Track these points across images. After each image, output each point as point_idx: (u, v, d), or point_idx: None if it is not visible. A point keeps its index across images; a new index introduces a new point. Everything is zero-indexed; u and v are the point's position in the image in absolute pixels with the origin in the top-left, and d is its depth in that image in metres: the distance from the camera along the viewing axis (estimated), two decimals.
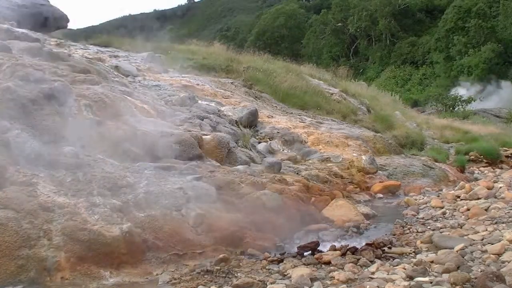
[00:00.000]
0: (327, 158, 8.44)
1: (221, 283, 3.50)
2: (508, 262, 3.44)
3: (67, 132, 5.22)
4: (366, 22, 44.97)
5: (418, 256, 3.94)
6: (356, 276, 3.53)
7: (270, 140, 8.86)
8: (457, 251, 3.84)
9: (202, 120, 7.74)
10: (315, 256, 4.01)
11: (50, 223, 3.75)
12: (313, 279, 3.48)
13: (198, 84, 10.88)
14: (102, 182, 4.52)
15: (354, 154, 8.60)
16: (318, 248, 4.19)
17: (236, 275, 3.66)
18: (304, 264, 3.88)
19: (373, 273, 3.56)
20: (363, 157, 8.25)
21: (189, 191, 4.76)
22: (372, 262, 3.82)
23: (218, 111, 8.89)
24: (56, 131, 5.12)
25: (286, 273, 3.68)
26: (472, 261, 3.68)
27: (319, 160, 8.34)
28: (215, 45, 17.34)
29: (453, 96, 25.36)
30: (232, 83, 12.52)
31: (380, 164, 8.46)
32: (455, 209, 5.77)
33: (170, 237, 4.14)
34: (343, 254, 3.97)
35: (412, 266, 3.60)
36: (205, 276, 3.61)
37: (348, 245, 4.23)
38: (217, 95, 10.53)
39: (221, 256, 3.94)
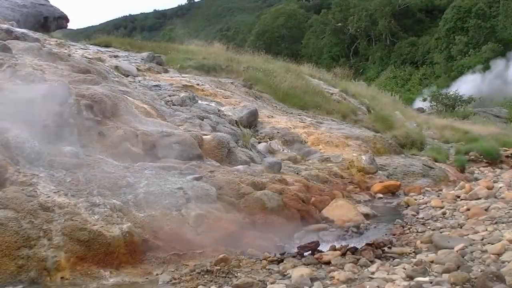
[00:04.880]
0: (327, 158, 8.44)
1: (221, 283, 3.50)
2: (508, 262, 3.44)
3: (67, 132, 5.21)
4: (366, 22, 44.94)
5: (418, 256, 3.94)
6: (356, 276, 3.53)
7: (270, 140, 8.86)
8: (457, 251, 3.84)
9: (202, 120, 7.75)
10: (315, 256, 4.01)
11: (50, 223, 3.75)
12: (313, 279, 3.48)
13: (198, 84, 10.88)
14: (102, 182, 4.52)
15: (354, 154, 8.60)
16: (318, 248, 4.18)
17: (236, 275, 3.66)
18: (304, 264, 3.88)
19: (373, 273, 3.56)
20: (363, 157, 8.26)
21: (189, 191, 4.76)
22: (372, 262, 3.82)
23: (218, 111, 8.89)
24: (56, 131, 5.12)
25: (286, 273, 3.68)
26: (472, 261, 3.68)
27: (319, 160, 8.34)
28: (215, 45, 17.34)
29: (453, 96, 25.33)
30: (232, 83, 12.51)
31: (380, 164, 8.47)
32: (455, 209, 5.77)
33: (170, 237, 4.14)
34: (343, 254, 3.97)
35: (412, 266, 3.60)
36: (205, 276, 3.61)
37: (348, 245, 4.23)
38: (217, 95, 10.53)
39: (221, 256, 3.93)
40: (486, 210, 5.34)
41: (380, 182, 7.67)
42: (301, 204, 5.50)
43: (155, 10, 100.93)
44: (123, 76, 9.48)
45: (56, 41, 11.71)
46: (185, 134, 6.38)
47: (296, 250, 4.20)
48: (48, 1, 15.29)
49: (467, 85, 31.76)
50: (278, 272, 3.72)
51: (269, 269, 3.81)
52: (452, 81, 34.21)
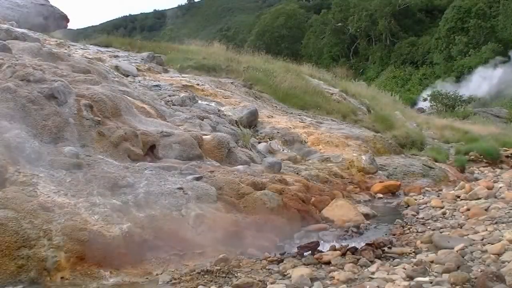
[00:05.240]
0: (327, 158, 8.44)
1: (221, 283, 3.50)
2: (508, 262, 3.44)
3: (67, 132, 5.21)
4: (366, 22, 44.95)
5: (418, 256, 3.94)
6: (356, 276, 3.53)
7: (270, 140, 8.86)
8: (457, 251, 3.84)
9: (202, 120, 7.75)
10: (315, 256, 4.01)
11: (50, 223, 3.75)
12: (313, 279, 3.48)
13: (198, 84, 10.89)
14: (102, 182, 4.52)
15: (354, 154, 8.60)
16: (318, 248, 4.18)
17: (236, 275, 3.66)
18: (304, 264, 3.88)
19: (373, 273, 3.56)
20: (363, 157, 8.26)
21: (189, 191, 4.76)
22: (372, 262, 3.82)
23: (218, 111, 8.89)
24: (56, 131, 5.12)
25: (286, 273, 3.68)
26: (472, 261, 3.68)
27: (319, 160, 8.34)
28: (215, 45, 17.35)
29: (453, 96, 25.35)
30: (232, 83, 12.52)
31: (380, 164, 8.47)
32: (455, 209, 5.77)
33: (170, 237, 4.14)
34: (343, 254, 3.97)
35: (412, 266, 3.60)
36: (205, 276, 3.61)
37: (348, 245, 4.23)
38: (217, 95, 10.53)
39: (221, 256, 3.94)
40: (486, 210, 5.34)
41: (380, 182, 7.67)
42: (301, 204, 5.50)
43: (155, 10, 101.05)
44: (123, 76, 9.48)
45: (56, 41, 11.71)
46: (185, 134, 6.38)
47: (296, 250, 4.20)
48: (48, 1, 15.28)
49: (484, 80, 31.57)
50: (278, 272, 3.72)
51: (269, 269, 3.81)
52: (467, 75, 34.00)
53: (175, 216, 4.39)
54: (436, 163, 9.41)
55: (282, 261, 3.96)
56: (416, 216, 5.69)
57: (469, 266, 3.49)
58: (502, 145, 11.57)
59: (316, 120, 11.18)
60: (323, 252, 4.13)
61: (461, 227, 4.80)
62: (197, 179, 5.12)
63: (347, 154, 8.63)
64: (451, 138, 13.41)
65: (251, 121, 9.35)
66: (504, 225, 4.57)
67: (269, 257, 4.05)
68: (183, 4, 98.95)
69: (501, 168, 10.06)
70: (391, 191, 7.41)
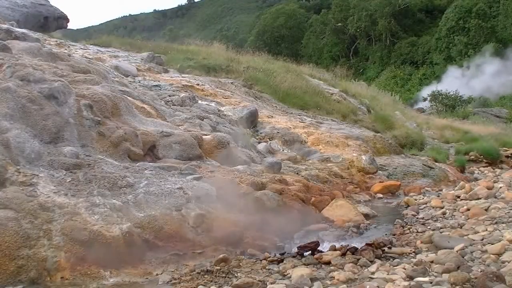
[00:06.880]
0: (327, 158, 8.44)
1: (221, 283, 3.50)
2: (508, 262, 3.44)
3: (67, 132, 5.21)
4: (366, 22, 44.92)
5: (418, 256, 3.94)
6: (356, 276, 3.53)
7: (270, 140, 8.86)
8: (457, 251, 3.84)
9: (202, 120, 7.75)
10: (315, 256, 4.01)
11: (50, 223, 3.75)
12: (313, 279, 3.48)
13: (198, 84, 10.88)
14: (102, 182, 4.53)
15: (354, 154, 8.60)
16: (318, 248, 4.19)
17: (236, 275, 3.66)
18: (304, 264, 3.88)
19: (373, 273, 3.56)
20: (363, 157, 8.25)
21: (189, 191, 4.76)
22: (372, 262, 3.82)
23: (218, 111, 8.90)
24: (56, 131, 5.12)
25: (286, 273, 3.68)
26: (472, 261, 3.68)
27: (319, 160, 8.34)
28: (215, 45, 17.36)
29: (453, 96, 25.32)
30: (232, 83, 12.52)
31: (380, 164, 8.46)
32: (455, 209, 5.77)
33: (170, 237, 4.15)
34: (343, 254, 3.97)
35: (412, 266, 3.60)
36: (205, 276, 3.62)
37: (348, 245, 4.23)
38: (217, 95, 10.53)
39: (221, 256, 3.94)
40: (486, 210, 5.34)
41: (380, 182, 7.67)
42: (301, 204, 5.50)
43: (155, 10, 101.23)
44: (123, 76, 9.47)
45: (56, 41, 11.72)
46: (185, 134, 6.38)
47: (296, 250, 4.20)
48: (48, 1, 15.29)
49: None
50: (278, 272, 3.72)
51: (269, 269, 3.81)
52: None
53: (175, 216, 4.40)
54: (436, 163, 9.41)
55: (282, 261, 3.96)
56: (416, 216, 5.69)
57: (469, 266, 3.49)
58: (502, 145, 11.58)
59: (316, 120, 11.18)
60: (323, 252, 4.13)
61: (461, 227, 4.80)
62: (197, 179, 5.12)
63: (347, 154, 8.63)
64: (451, 138, 13.41)
65: (251, 121, 9.36)
66: (504, 225, 4.57)
67: (269, 257, 4.05)
68: (183, 4, 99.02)
69: (501, 168, 10.06)
70: (391, 191, 7.41)
